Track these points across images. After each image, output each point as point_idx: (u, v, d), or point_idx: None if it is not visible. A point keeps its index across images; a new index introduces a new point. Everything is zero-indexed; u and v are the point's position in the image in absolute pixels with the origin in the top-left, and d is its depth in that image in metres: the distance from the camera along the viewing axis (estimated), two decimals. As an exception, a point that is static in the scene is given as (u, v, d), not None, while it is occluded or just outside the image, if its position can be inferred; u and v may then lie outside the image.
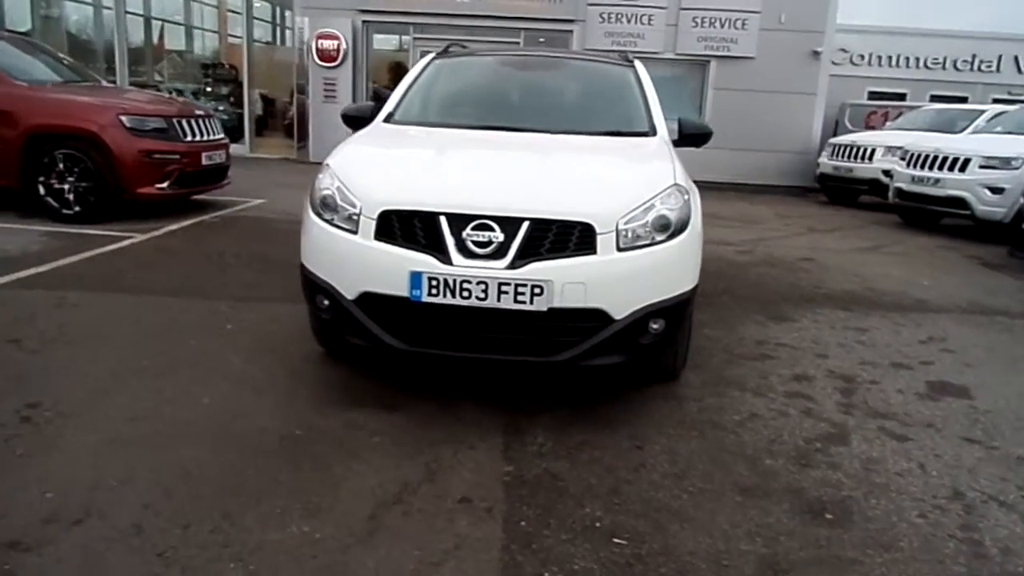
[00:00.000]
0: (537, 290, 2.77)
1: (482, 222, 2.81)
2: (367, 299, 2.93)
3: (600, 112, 4.12)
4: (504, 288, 2.78)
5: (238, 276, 5.14)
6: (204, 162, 7.06)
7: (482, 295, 2.79)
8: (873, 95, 17.87)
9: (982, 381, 3.81)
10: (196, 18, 19.85)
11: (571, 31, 12.86)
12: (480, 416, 3.08)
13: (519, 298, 2.78)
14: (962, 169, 8.42)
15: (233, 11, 19.18)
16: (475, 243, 2.80)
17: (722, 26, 12.64)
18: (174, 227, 6.60)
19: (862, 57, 18.29)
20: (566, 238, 2.83)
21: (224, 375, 3.38)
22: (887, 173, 10.58)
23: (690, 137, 3.99)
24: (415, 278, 2.81)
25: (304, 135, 13.41)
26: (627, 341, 2.94)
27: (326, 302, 3.07)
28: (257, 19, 18.79)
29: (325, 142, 12.79)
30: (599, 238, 2.84)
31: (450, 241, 2.81)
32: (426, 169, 3.20)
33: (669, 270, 3.01)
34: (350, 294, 2.96)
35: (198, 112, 7.25)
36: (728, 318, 4.73)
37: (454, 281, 2.79)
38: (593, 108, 4.18)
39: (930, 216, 9.37)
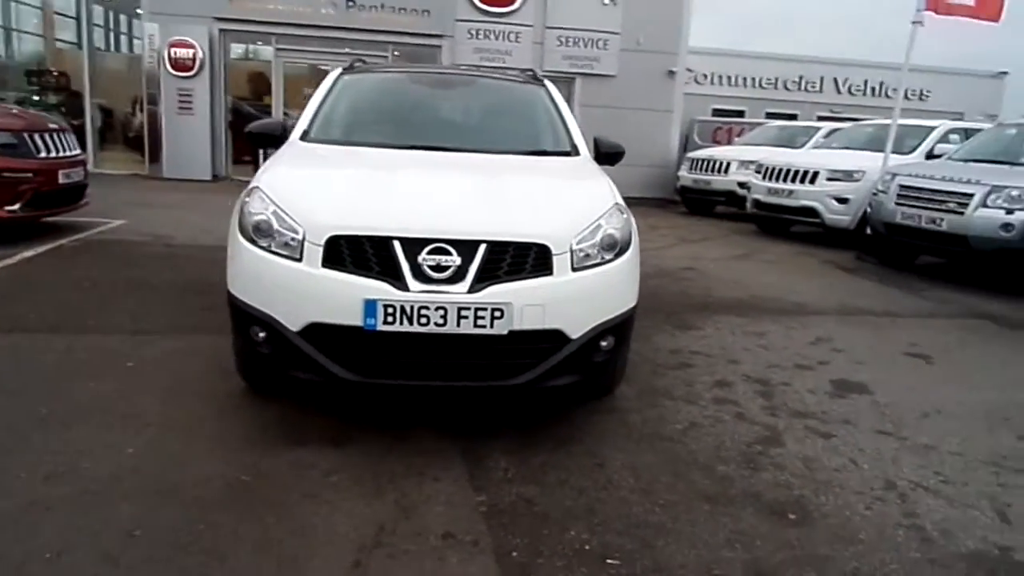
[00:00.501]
0: (497, 313, 2.73)
1: (438, 246, 2.73)
2: (314, 330, 2.77)
3: (521, 131, 4.14)
4: (464, 313, 2.72)
5: (122, 307, 4.67)
6: (61, 180, 6.38)
7: (441, 321, 2.71)
8: (716, 112, 19.26)
9: (874, 377, 4.18)
10: (12, 19, 17.99)
11: (439, 46, 12.87)
12: (434, 445, 2.98)
13: (479, 322, 2.73)
14: (812, 181, 9.25)
15: (61, 14, 17.60)
16: (431, 268, 2.72)
17: (585, 46, 13.14)
18: (29, 253, 5.90)
19: (705, 76, 19.66)
20: (523, 260, 2.82)
21: (142, 420, 3.05)
22: (742, 185, 11.44)
23: (606, 156, 4.10)
24: (369, 306, 2.69)
25: (157, 149, 12.46)
26: (581, 360, 2.96)
27: (262, 335, 2.87)
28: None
29: (181, 157, 12.04)
30: (555, 259, 2.85)
31: (405, 266, 2.72)
32: (370, 192, 3.06)
33: (617, 288, 3.07)
34: (295, 326, 2.78)
35: (52, 125, 6.54)
36: (640, 328, 4.85)
37: (411, 307, 2.69)
38: (513, 127, 4.19)
39: (782, 224, 10.20)
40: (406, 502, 2.55)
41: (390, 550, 2.26)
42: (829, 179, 9.15)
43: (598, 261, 2.97)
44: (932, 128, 9.73)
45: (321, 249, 2.74)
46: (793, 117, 18.92)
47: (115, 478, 2.58)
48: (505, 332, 2.76)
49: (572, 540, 2.37)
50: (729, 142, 16.02)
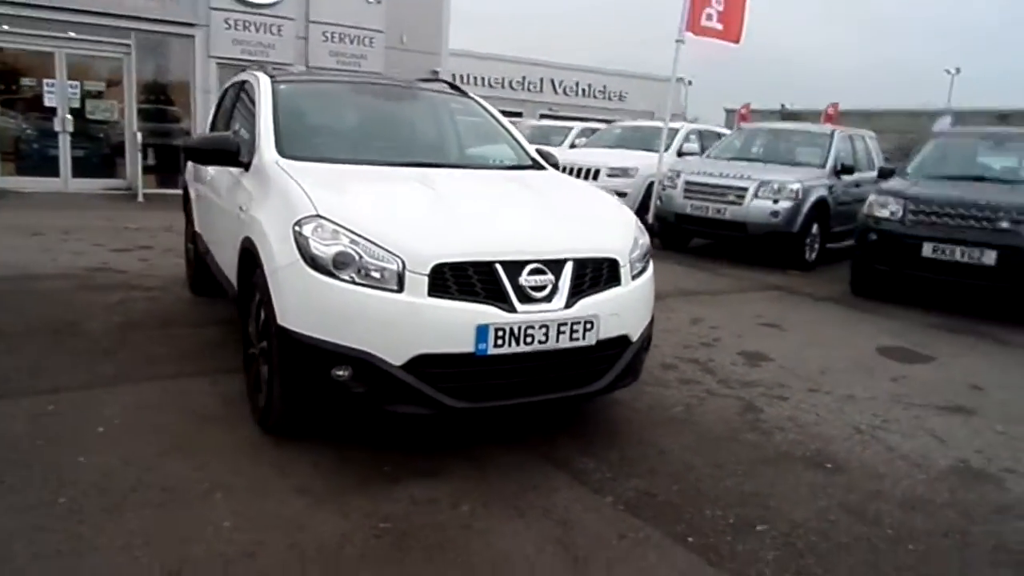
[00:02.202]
0: (589, 325, 2.93)
1: (535, 266, 2.83)
2: (420, 362, 2.69)
3: (487, 145, 4.22)
4: (563, 328, 2.87)
5: (7, 363, 3.79)
6: None
7: (543, 338, 2.83)
8: (453, 110, 20.12)
9: (761, 346, 5.07)
10: None
11: (192, 36, 11.68)
12: (516, 459, 3.07)
13: (574, 335, 2.91)
14: (595, 178, 10.35)
15: None
16: (532, 288, 2.82)
17: (351, 42, 12.93)
18: None
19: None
20: (599, 273, 3.04)
21: (193, 490, 2.65)
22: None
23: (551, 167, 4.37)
24: (482, 331, 2.71)
25: None
26: (637, 361, 3.27)
27: (345, 373, 2.71)
28: None
29: None
30: (621, 270, 3.12)
31: (509, 289, 2.77)
32: (448, 216, 3.00)
33: (651, 293, 3.42)
34: (398, 359, 2.68)
35: None
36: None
37: (519, 328, 2.77)
38: (479, 141, 4.26)
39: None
40: (556, 516, 2.64)
41: (596, 560, 2.38)
42: (609, 175, 10.33)
43: (640, 270, 3.29)
44: (677, 130, 11.44)
45: (426, 278, 2.68)
46: (519, 115, 20.51)
47: (249, 556, 2.29)
48: (594, 342, 2.96)
49: (717, 518, 2.70)
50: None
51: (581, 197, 3.70)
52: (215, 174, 4.13)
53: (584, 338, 2.93)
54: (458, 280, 2.73)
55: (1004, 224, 5.88)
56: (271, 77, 4.05)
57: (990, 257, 5.87)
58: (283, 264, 2.80)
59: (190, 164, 5.45)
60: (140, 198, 10.58)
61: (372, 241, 2.71)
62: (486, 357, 2.74)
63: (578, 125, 14.12)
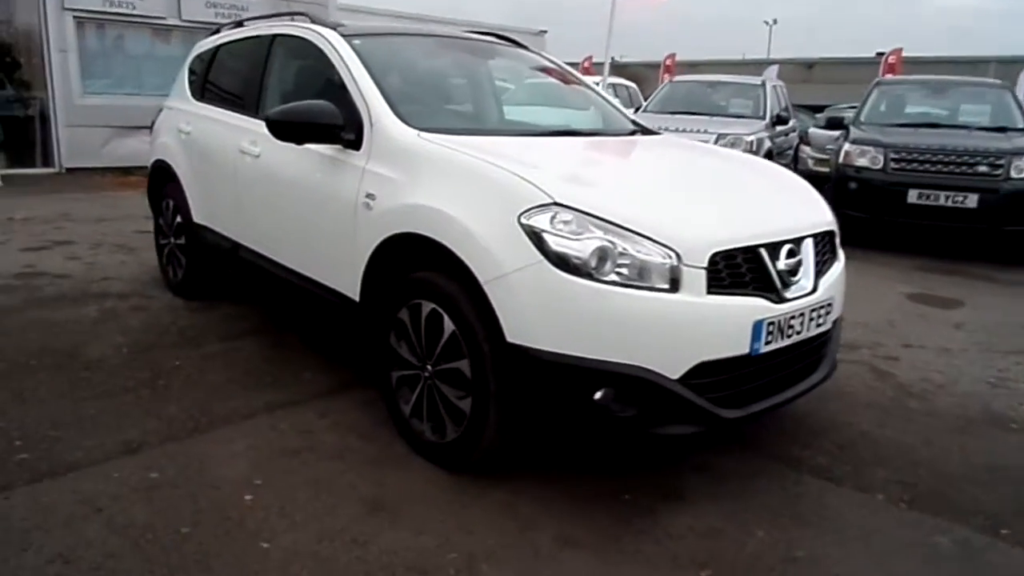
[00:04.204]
0: (828, 308, 2.65)
1: (791, 247, 2.47)
2: (696, 371, 2.26)
3: (592, 107, 3.70)
4: (812, 314, 2.55)
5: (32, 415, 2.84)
6: None
7: (799, 328, 2.51)
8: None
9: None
10: None
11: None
12: (744, 464, 2.75)
13: (819, 321, 2.60)
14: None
15: None
16: (788, 272, 2.46)
17: (230, -8, 11.41)
18: None
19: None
20: (825, 248, 2.74)
21: (451, 565, 2.10)
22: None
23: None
24: (757, 327, 2.34)
25: None
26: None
27: (602, 394, 2.22)
28: None
29: None
30: (836, 242, 2.83)
31: (775, 275, 2.40)
32: (690, 196, 2.55)
33: None
34: (676, 372, 2.23)
35: None
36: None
37: (784, 320, 2.43)
38: (584, 104, 3.72)
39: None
40: (855, 527, 2.36)
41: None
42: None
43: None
44: (597, 84, 11.23)
45: (704, 272, 2.24)
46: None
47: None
48: (830, 325, 2.68)
49: (997, 501, 2.53)
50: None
51: (758, 164, 3.34)
52: (269, 152, 3.31)
53: (825, 322, 2.63)
54: (730, 271, 2.31)
55: (983, 168, 6.23)
56: (341, 33, 3.27)
57: (972, 200, 6.20)
58: (516, 267, 2.22)
59: (166, 138, 4.44)
60: (-1, 181, 8.80)
61: (636, 231, 2.21)
62: (757, 356, 2.36)
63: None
